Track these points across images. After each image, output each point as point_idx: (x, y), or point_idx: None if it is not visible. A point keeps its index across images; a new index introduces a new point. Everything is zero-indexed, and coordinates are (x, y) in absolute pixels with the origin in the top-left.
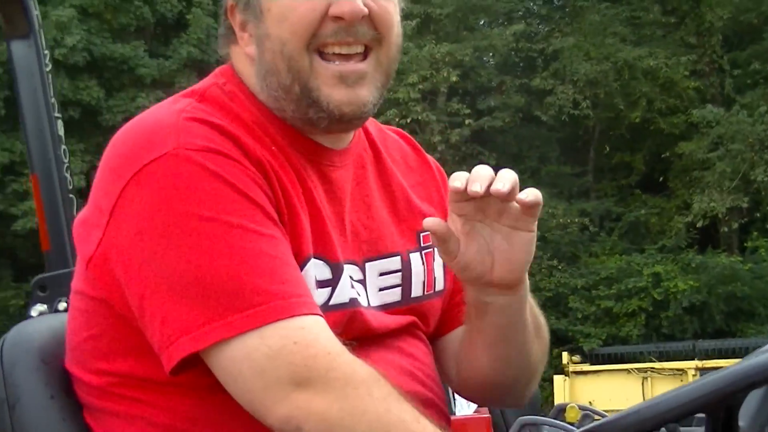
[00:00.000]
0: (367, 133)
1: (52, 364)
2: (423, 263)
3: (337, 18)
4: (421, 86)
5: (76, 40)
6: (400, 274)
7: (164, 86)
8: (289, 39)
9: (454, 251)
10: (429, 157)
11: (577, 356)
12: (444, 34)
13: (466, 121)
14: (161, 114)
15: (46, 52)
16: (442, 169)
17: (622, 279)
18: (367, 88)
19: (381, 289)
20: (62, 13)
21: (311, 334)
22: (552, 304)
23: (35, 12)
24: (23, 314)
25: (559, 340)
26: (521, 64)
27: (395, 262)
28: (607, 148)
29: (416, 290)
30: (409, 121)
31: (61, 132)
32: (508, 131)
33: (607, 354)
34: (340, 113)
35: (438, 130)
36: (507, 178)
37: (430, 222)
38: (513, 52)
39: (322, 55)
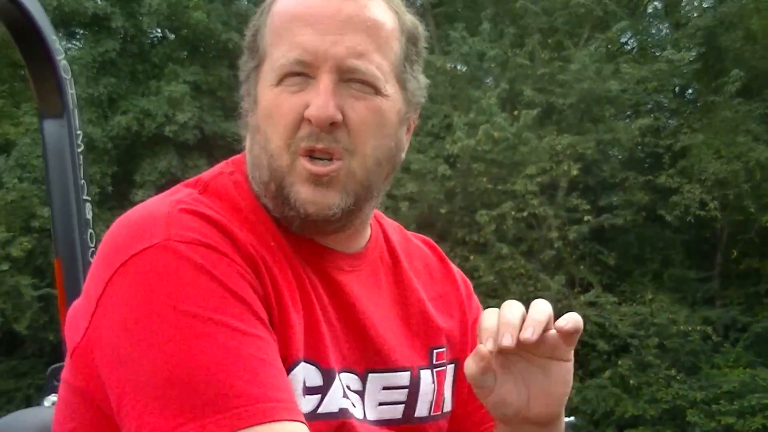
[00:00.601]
0: (387, 239)
1: None
2: (433, 382)
3: (309, 120)
4: (539, 179)
5: (188, 116)
6: (406, 391)
7: None
8: (272, 137)
9: (490, 386)
10: (454, 268)
11: None
12: (566, 125)
13: (586, 218)
14: (158, 204)
15: (79, 132)
16: (467, 280)
17: (745, 394)
18: (336, 191)
19: (381, 404)
20: (175, 89)
21: None
22: (669, 417)
23: (71, 91)
24: None
25: None
26: (646, 160)
27: (403, 378)
28: (735, 253)
29: (421, 410)
30: (525, 214)
31: (90, 215)
32: (630, 230)
33: None
34: (305, 213)
35: (555, 226)
36: (537, 320)
37: (469, 363)
38: (638, 147)
39: (305, 154)
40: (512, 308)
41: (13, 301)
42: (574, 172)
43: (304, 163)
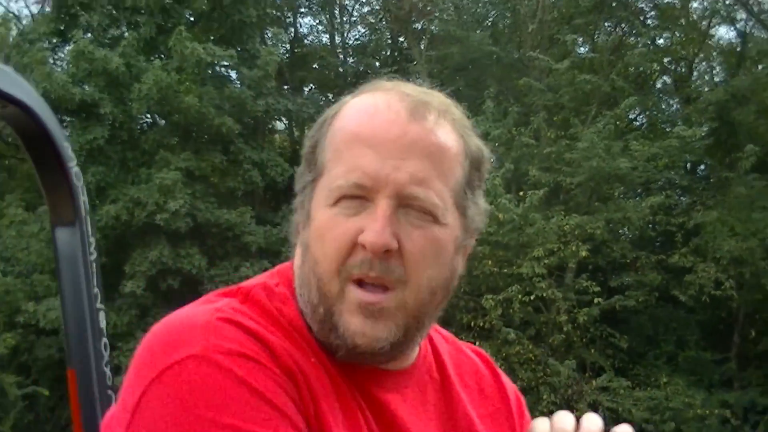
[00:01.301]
0: (436, 353)
1: None
2: None
3: (363, 246)
4: (547, 261)
5: (180, 204)
6: None
7: (270, 255)
8: (322, 261)
9: None
10: (507, 383)
11: None
12: (574, 204)
13: (596, 300)
14: (197, 312)
15: (92, 239)
16: (520, 396)
17: None
18: (385, 324)
19: None
20: (166, 176)
21: None
22: None
23: (83, 198)
24: None
25: None
26: (658, 239)
27: None
28: (753, 333)
29: None
30: (532, 298)
31: (103, 324)
32: (642, 312)
33: None
34: (353, 344)
35: (564, 309)
36: None
37: None
38: (650, 226)
39: (356, 281)
40: (565, 419)
41: None
42: (584, 253)
43: (355, 292)
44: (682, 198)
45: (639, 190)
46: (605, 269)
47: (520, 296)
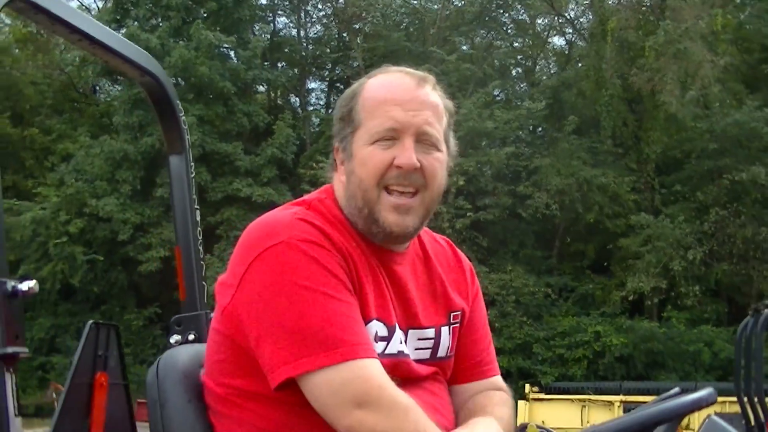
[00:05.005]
0: (420, 240)
1: (189, 378)
2: (449, 334)
3: (398, 167)
4: None
5: (194, 139)
6: (432, 341)
7: (253, 175)
8: (366, 179)
9: None
10: (463, 260)
11: (536, 387)
12: (457, 150)
13: (468, 214)
14: (281, 215)
15: (192, 164)
16: (472, 268)
17: (572, 334)
18: (412, 217)
19: (416, 349)
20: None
21: (369, 372)
22: (520, 349)
23: (187, 137)
24: (141, 332)
25: (524, 375)
26: (510, 175)
27: (430, 333)
28: (568, 240)
29: (441, 352)
30: None
31: (198, 218)
32: (498, 223)
33: (557, 387)
34: (391, 231)
35: (447, 219)
36: None
37: None
38: (505, 166)
39: (387, 189)
40: None
41: (69, 264)
42: (461, 183)
43: (388, 197)
44: (526, 149)
45: (498, 143)
46: (474, 194)
47: None
